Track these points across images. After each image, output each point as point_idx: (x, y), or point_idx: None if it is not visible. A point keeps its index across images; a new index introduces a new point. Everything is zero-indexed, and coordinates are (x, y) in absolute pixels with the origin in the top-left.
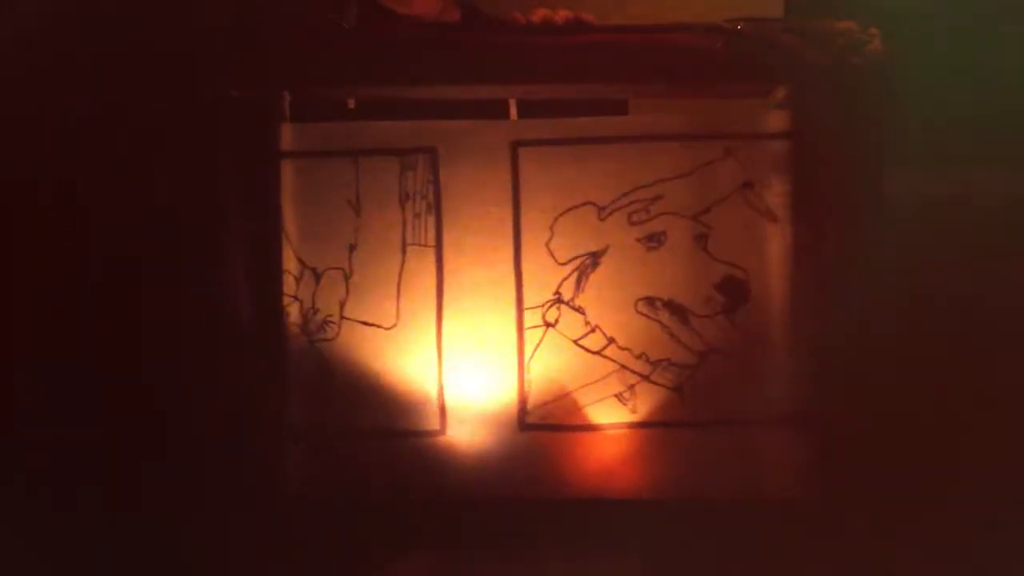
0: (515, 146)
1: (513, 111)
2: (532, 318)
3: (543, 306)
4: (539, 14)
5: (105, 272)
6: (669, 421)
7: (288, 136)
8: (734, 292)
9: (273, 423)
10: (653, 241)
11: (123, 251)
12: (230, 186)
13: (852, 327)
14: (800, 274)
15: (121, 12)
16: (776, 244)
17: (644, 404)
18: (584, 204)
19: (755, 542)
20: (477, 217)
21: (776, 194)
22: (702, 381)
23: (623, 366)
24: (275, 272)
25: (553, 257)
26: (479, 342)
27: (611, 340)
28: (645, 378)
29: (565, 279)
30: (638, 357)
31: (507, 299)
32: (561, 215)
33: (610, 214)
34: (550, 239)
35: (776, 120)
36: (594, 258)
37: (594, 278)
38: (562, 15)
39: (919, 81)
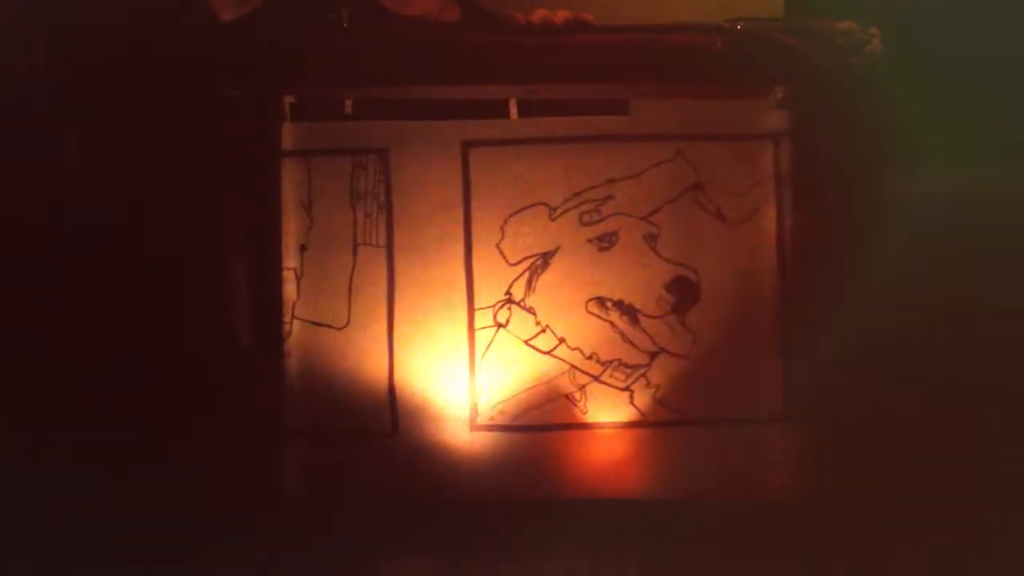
0: (466, 146)
1: (514, 111)
2: (483, 318)
3: (494, 306)
4: (539, 14)
5: (105, 271)
6: (619, 421)
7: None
8: (684, 292)
9: (273, 423)
10: (604, 241)
11: (123, 250)
12: (230, 185)
13: (851, 327)
14: (798, 273)
15: (121, 12)
16: (726, 244)
17: (595, 404)
18: (535, 205)
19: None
20: (428, 217)
21: (726, 195)
22: (652, 381)
23: (574, 366)
24: (275, 270)
25: (504, 257)
26: (430, 342)
27: (562, 340)
28: (595, 378)
29: (516, 279)
30: (588, 357)
31: (458, 299)
32: (512, 215)
33: (561, 215)
34: (501, 239)
35: (776, 120)
36: (545, 258)
37: (545, 278)
38: (562, 15)
39: (919, 81)
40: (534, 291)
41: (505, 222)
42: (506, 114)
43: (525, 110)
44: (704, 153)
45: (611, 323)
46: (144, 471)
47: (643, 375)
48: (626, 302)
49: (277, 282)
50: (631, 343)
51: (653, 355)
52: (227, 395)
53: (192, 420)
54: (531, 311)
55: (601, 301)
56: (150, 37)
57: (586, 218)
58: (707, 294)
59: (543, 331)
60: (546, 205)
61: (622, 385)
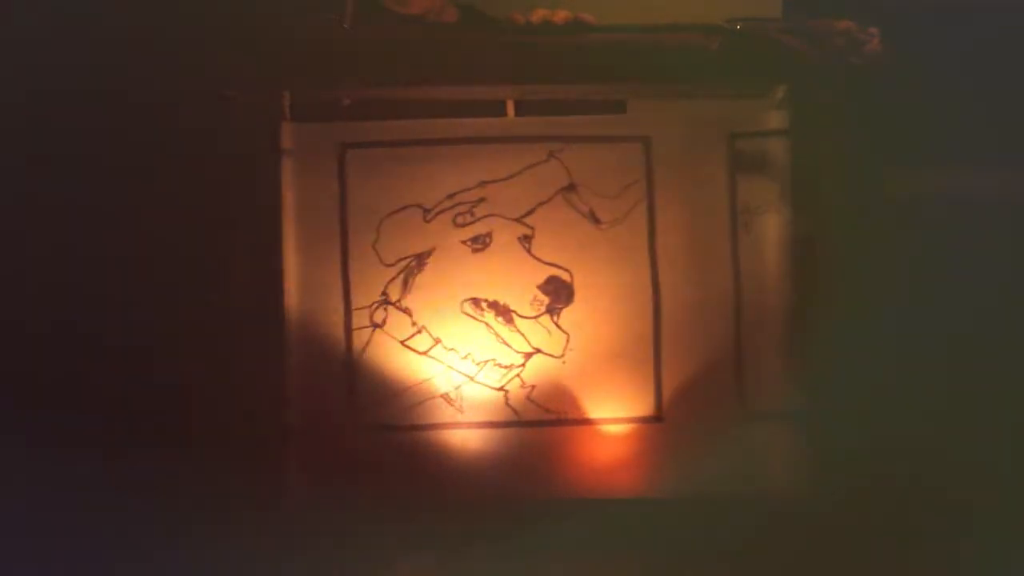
0: (343, 148)
1: (511, 111)
2: (360, 319)
3: (370, 307)
4: (539, 14)
5: (105, 270)
6: (495, 421)
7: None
8: (558, 293)
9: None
10: (478, 243)
11: (123, 250)
12: (229, 184)
13: (852, 326)
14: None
15: (121, 12)
16: (599, 245)
17: (470, 404)
18: (410, 206)
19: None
20: (304, 218)
21: (599, 196)
22: (527, 381)
23: (449, 366)
24: (274, 269)
25: (380, 258)
26: (307, 343)
27: (437, 341)
28: (471, 379)
29: (392, 280)
30: (464, 358)
31: (335, 300)
32: (387, 217)
33: (435, 216)
34: (376, 240)
35: (775, 120)
36: (420, 259)
37: (420, 279)
38: (561, 15)
39: (919, 81)
40: (410, 292)
41: (380, 223)
42: (504, 114)
43: (523, 110)
44: (577, 155)
45: (486, 324)
46: (144, 470)
47: (517, 375)
48: (501, 303)
49: (277, 281)
50: (506, 343)
51: (528, 355)
52: (225, 392)
53: (192, 419)
54: (407, 312)
55: (476, 302)
56: (150, 37)
57: (460, 219)
58: (581, 295)
59: (419, 332)
60: (420, 207)
61: (497, 385)
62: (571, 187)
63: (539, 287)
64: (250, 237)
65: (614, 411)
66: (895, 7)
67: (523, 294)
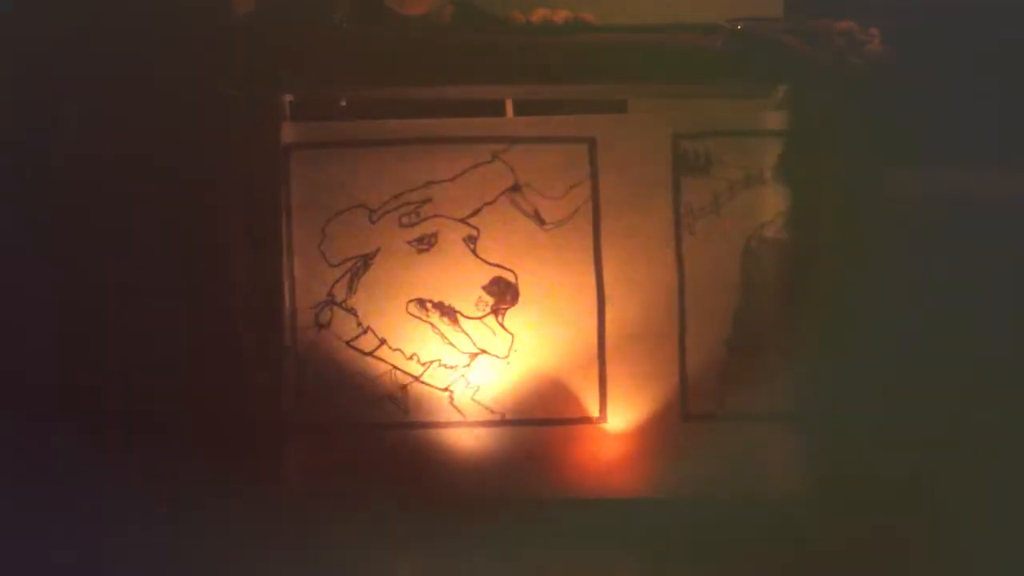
0: (287, 149)
1: (510, 111)
2: (305, 319)
3: (316, 307)
4: (539, 14)
5: (105, 269)
6: (440, 421)
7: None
8: (503, 293)
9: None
10: (423, 243)
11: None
12: (229, 184)
13: (852, 327)
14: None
15: (121, 12)
16: (544, 246)
17: (416, 405)
18: (355, 207)
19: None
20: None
21: (544, 197)
22: (472, 382)
23: (395, 367)
24: (274, 268)
25: (325, 259)
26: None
27: (383, 341)
28: (416, 379)
29: (337, 281)
30: (409, 358)
31: (280, 300)
32: (332, 217)
33: (381, 216)
34: (322, 241)
35: (775, 120)
36: (365, 260)
37: (365, 280)
38: (562, 15)
39: (919, 81)
40: (355, 292)
41: (326, 224)
42: (503, 114)
43: (523, 110)
44: (521, 156)
45: (431, 324)
46: (144, 470)
47: (463, 375)
48: (446, 303)
49: (278, 279)
50: (451, 344)
51: (473, 356)
52: (226, 391)
53: (191, 418)
54: (352, 312)
55: (421, 302)
56: (151, 36)
57: (405, 220)
58: (526, 295)
59: (364, 332)
60: (365, 207)
61: (442, 386)
62: (516, 188)
63: (484, 288)
64: (248, 236)
65: (558, 412)
66: (895, 7)
67: (468, 295)
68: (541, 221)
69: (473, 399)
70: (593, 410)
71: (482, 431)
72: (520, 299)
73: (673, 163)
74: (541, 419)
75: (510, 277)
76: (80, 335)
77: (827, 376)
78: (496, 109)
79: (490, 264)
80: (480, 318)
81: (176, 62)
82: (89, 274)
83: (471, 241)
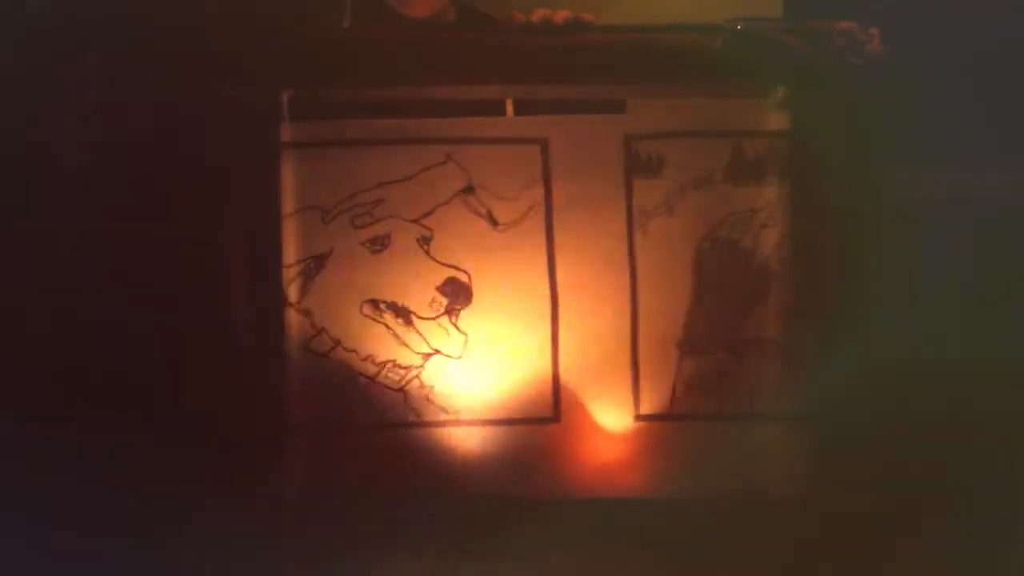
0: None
1: (510, 110)
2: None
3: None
4: (539, 14)
5: (105, 268)
6: (395, 422)
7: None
8: (457, 294)
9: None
10: (377, 244)
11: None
12: (229, 184)
13: (852, 327)
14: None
15: (121, 12)
16: (497, 247)
17: (370, 405)
18: (308, 208)
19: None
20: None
21: (497, 198)
22: (426, 382)
23: (350, 368)
24: (274, 267)
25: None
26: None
27: (337, 342)
28: (371, 379)
29: (291, 282)
30: (364, 359)
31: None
32: (286, 218)
33: (334, 217)
34: None
35: (775, 120)
36: (319, 261)
37: (319, 281)
38: (562, 15)
39: (919, 81)
40: (309, 293)
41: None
42: (503, 113)
43: (523, 109)
44: (474, 157)
45: (385, 325)
46: (143, 468)
47: (417, 376)
48: (400, 304)
49: (277, 277)
50: (405, 344)
51: (427, 356)
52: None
53: (190, 417)
54: (307, 313)
55: (375, 303)
56: (151, 36)
57: (359, 221)
58: (479, 296)
59: (319, 333)
60: (319, 208)
61: (396, 386)
62: (469, 189)
63: (438, 288)
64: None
65: (512, 411)
66: (895, 7)
67: (422, 295)
68: (494, 222)
69: (428, 399)
70: (546, 410)
71: (437, 431)
72: (474, 300)
73: (625, 164)
74: (495, 419)
75: (464, 278)
76: (79, 336)
77: (826, 377)
78: (497, 109)
79: (444, 265)
80: (434, 319)
81: (175, 62)
82: (87, 274)
83: (425, 242)
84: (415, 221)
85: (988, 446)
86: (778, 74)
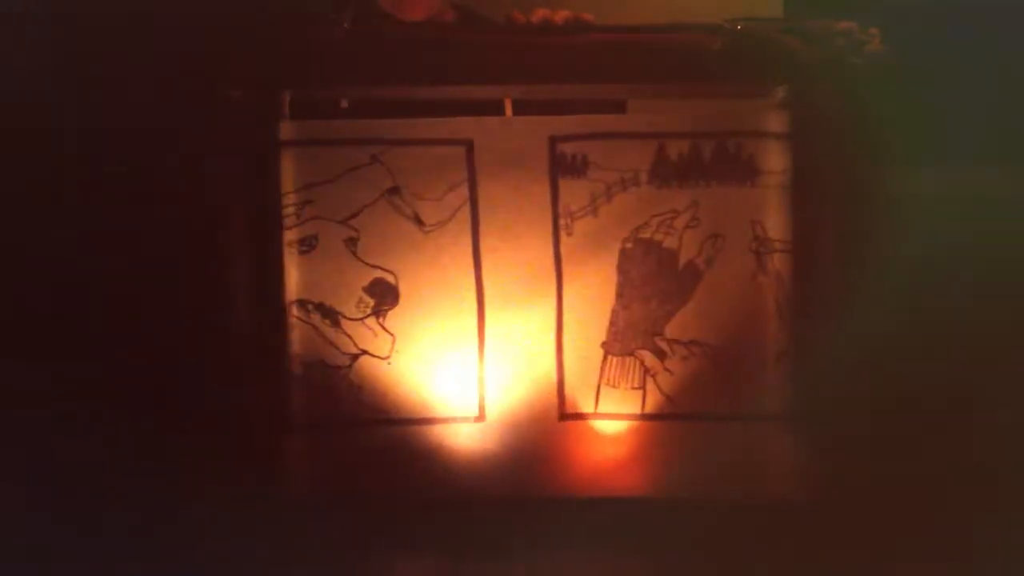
0: None
1: (508, 110)
2: None
3: None
4: (539, 14)
5: (104, 268)
6: (322, 423)
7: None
8: (384, 295)
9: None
10: (304, 245)
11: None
12: (229, 183)
13: (852, 327)
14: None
15: (121, 12)
16: (423, 248)
17: (298, 406)
18: None
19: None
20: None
21: (422, 199)
22: (354, 383)
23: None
24: (274, 267)
25: None
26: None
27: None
28: (300, 380)
29: None
30: (292, 360)
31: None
32: None
33: None
34: None
35: (775, 120)
36: None
37: None
38: (562, 15)
39: (919, 81)
40: None
41: None
42: (502, 113)
43: (522, 109)
44: (400, 158)
45: (313, 326)
46: (143, 468)
47: (345, 376)
48: (327, 304)
49: (278, 277)
50: (333, 345)
51: (354, 357)
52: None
53: (190, 415)
54: None
55: (303, 304)
56: (150, 36)
57: (286, 222)
58: (406, 296)
59: None
60: None
61: (324, 387)
62: (395, 190)
63: (364, 289)
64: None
65: (438, 411)
66: (895, 7)
67: (349, 296)
68: (420, 223)
69: (356, 400)
70: (472, 409)
71: (363, 432)
72: (401, 300)
73: (550, 165)
74: (422, 418)
75: (390, 279)
76: (78, 335)
77: (825, 377)
78: (496, 109)
79: (370, 266)
80: (361, 319)
81: (175, 61)
82: (86, 273)
83: (352, 243)
84: (342, 222)
85: (988, 446)
86: (778, 74)
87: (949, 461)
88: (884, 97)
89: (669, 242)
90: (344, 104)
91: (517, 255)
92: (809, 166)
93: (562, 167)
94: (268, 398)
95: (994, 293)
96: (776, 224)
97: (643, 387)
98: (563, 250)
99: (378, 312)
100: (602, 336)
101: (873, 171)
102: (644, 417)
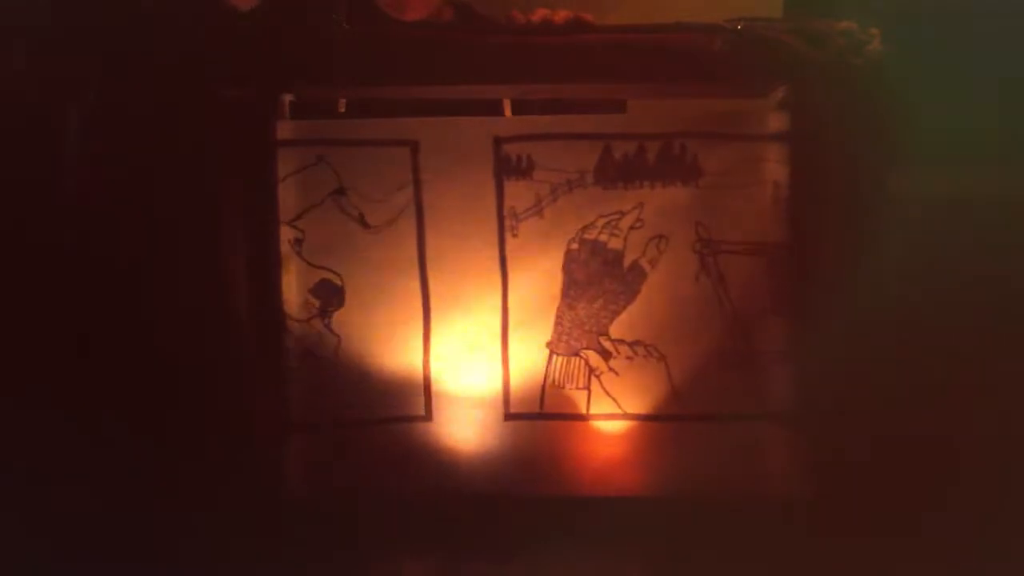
0: None
1: (507, 110)
2: None
3: None
4: (539, 14)
5: (105, 267)
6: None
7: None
8: (329, 296)
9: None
10: None
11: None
12: (228, 183)
13: (852, 327)
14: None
15: (121, 12)
16: (369, 249)
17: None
18: None
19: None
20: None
21: (368, 200)
22: (300, 384)
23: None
24: (273, 266)
25: None
26: None
27: None
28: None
29: None
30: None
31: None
32: None
33: None
34: None
35: (775, 120)
36: None
37: None
38: (562, 15)
39: (919, 81)
40: None
41: None
42: (502, 113)
43: (521, 109)
44: (346, 159)
45: None
46: (142, 467)
47: (292, 378)
48: None
49: (276, 275)
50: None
51: (300, 358)
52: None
53: (189, 414)
54: None
55: None
56: (149, 36)
57: None
58: (352, 297)
59: None
60: None
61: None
62: (341, 191)
63: (310, 290)
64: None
65: (385, 411)
66: (895, 7)
67: (294, 297)
68: (366, 224)
69: (302, 401)
70: (418, 409)
71: (309, 434)
72: (346, 301)
73: (495, 166)
74: (367, 419)
75: (336, 280)
76: (78, 335)
77: (826, 377)
78: (495, 108)
79: (316, 267)
80: (307, 320)
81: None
82: (85, 273)
83: (297, 244)
84: (288, 223)
85: (988, 446)
86: (778, 74)
87: (949, 461)
88: (884, 97)
89: (614, 243)
90: (342, 109)
91: (462, 256)
92: (809, 166)
93: (507, 168)
94: (247, 399)
95: (994, 293)
96: (719, 225)
97: (588, 387)
98: (508, 251)
99: (324, 313)
100: (547, 336)
101: (873, 171)
102: (589, 417)
